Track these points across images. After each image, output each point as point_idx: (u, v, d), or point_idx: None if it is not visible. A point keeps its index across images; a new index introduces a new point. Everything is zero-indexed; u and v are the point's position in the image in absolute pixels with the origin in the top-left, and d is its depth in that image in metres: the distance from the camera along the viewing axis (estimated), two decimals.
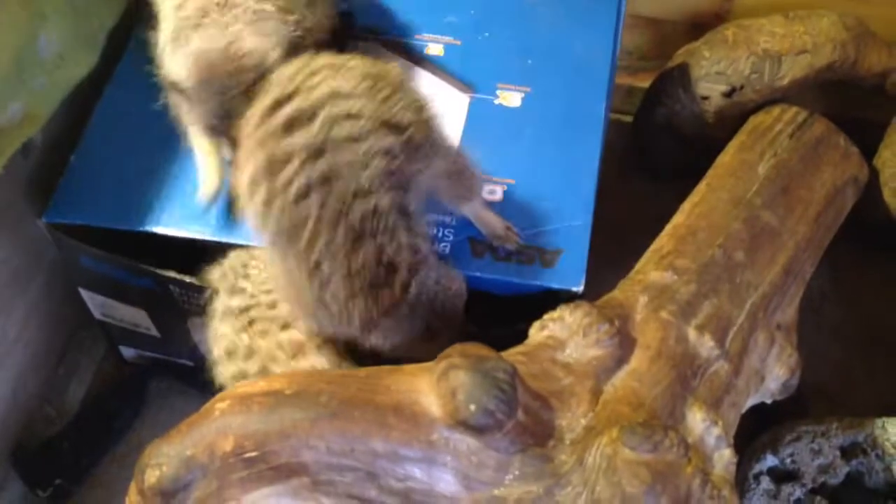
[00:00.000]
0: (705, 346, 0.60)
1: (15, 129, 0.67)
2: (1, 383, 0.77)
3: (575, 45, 0.79)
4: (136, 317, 0.76)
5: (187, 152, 0.71)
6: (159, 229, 0.69)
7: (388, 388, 0.52)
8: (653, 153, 0.93)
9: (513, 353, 0.57)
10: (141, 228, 0.69)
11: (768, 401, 0.67)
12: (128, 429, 0.83)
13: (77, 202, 0.70)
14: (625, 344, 0.58)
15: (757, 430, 0.75)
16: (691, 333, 0.61)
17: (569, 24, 0.80)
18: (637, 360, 0.58)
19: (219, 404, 0.51)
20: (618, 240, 0.77)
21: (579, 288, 0.66)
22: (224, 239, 0.68)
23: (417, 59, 0.79)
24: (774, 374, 0.65)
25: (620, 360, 0.57)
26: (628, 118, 0.97)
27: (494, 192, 0.71)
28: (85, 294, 0.76)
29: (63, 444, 0.82)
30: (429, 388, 0.51)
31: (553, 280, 0.67)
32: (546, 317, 0.60)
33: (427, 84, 0.77)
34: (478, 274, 0.67)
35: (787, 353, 0.66)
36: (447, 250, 0.69)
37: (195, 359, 0.78)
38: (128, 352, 0.84)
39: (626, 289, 0.64)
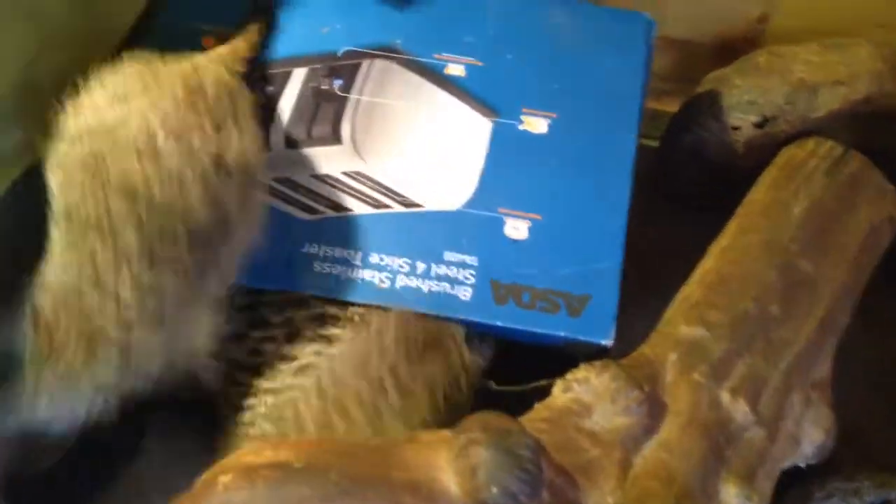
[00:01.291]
0: (739, 410, 0.57)
1: (13, 159, 0.64)
2: None
3: (603, 70, 0.75)
4: None
5: None
6: None
7: (403, 463, 0.48)
8: (678, 181, 0.89)
9: (536, 420, 0.54)
10: None
11: (802, 465, 0.63)
12: (128, 462, 0.80)
13: None
14: (654, 410, 0.55)
15: (784, 484, 0.71)
16: (724, 397, 0.57)
17: (596, 48, 0.76)
18: (667, 428, 0.55)
19: (222, 477, 0.47)
20: (640, 271, 0.73)
21: (609, 341, 0.62)
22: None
23: (437, 79, 0.75)
24: (810, 437, 0.62)
25: (650, 428, 0.54)
26: (651, 142, 0.93)
27: (519, 228, 0.68)
28: None
29: (59, 475, 0.79)
30: (447, 463, 0.48)
31: (580, 331, 0.63)
32: (570, 376, 0.56)
33: (448, 107, 0.73)
34: (499, 323, 0.63)
35: (823, 414, 0.62)
36: (468, 295, 0.65)
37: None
38: None
39: (655, 344, 0.60)
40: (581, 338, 0.62)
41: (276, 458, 0.48)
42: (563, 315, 0.64)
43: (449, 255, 0.67)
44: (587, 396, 0.54)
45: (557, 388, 0.56)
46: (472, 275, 0.65)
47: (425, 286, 0.65)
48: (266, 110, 0.72)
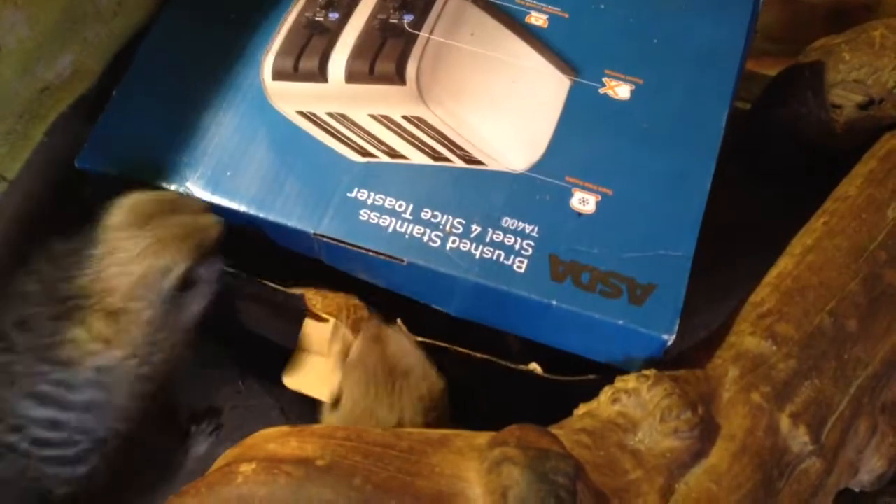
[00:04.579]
0: (798, 440, 0.53)
1: (63, 86, 0.60)
2: None
3: (700, 35, 0.67)
4: None
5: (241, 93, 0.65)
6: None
7: (430, 470, 0.46)
8: (764, 152, 0.83)
9: (577, 430, 0.50)
10: (175, 186, 0.62)
11: (856, 489, 0.60)
12: None
13: (113, 147, 0.63)
14: (706, 433, 0.51)
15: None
16: (784, 423, 0.53)
17: (697, 10, 0.68)
18: (718, 454, 0.51)
19: (243, 466, 0.45)
20: (708, 243, 0.69)
21: (671, 336, 0.57)
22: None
23: (516, 27, 0.69)
24: (870, 466, 0.58)
25: (699, 453, 0.50)
26: (742, 104, 0.86)
27: (586, 201, 0.62)
28: None
29: None
30: (477, 476, 0.45)
31: (640, 321, 0.57)
32: (619, 383, 0.53)
33: (524, 58, 0.67)
34: (553, 302, 0.59)
35: (889, 442, 0.58)
36: (523, 267, 0.61)
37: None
38: None
39: (716, 354, 0.56)
40: (641, 329, 0.57)
41: (302, 451, 0.46)
42: (625, 302, 0.58)
43: (507, 221, 0.62)
44: (635, 411, 0.51)
45: (605, 394, 0.53)
46: (530, 245, 0.61)
47: (478, 251, 0.61)
48: (328, 38, 0.67)
